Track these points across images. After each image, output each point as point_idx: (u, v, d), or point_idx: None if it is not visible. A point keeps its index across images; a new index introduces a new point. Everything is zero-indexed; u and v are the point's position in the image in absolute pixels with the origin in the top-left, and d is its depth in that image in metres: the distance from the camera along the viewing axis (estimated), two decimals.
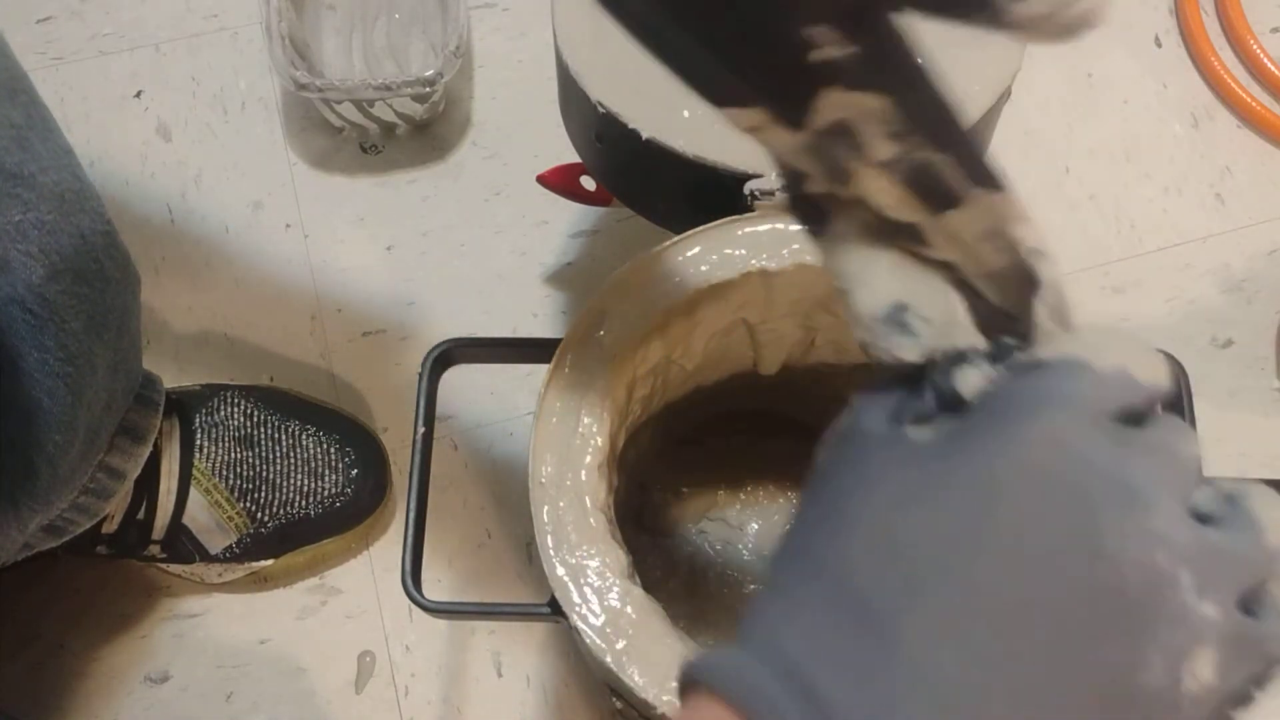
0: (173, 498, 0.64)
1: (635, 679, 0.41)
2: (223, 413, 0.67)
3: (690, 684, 0.28)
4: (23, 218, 0.49)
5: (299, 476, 0.66)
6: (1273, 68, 0.83)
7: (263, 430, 0.67)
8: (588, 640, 0.42)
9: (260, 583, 0.68)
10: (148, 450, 0.62)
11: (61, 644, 0.68)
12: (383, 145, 0.81)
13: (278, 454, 0.66)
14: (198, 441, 0.65)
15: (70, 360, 0.52)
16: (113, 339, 0.56)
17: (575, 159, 0.62)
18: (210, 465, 0.65)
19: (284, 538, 0.66)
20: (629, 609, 0.43)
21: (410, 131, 0.81)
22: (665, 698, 0.41)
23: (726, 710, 0.26)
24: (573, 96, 0.56)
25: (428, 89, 0.75)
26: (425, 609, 0.49)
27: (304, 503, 0.66)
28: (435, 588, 0.68)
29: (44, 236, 0.50)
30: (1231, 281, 0.77)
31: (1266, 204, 0.80)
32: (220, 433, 0.66)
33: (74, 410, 0.53)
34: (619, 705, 0.47)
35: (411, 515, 0.49)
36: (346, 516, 0.67)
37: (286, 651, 0.67)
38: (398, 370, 0.74)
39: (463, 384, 0.72)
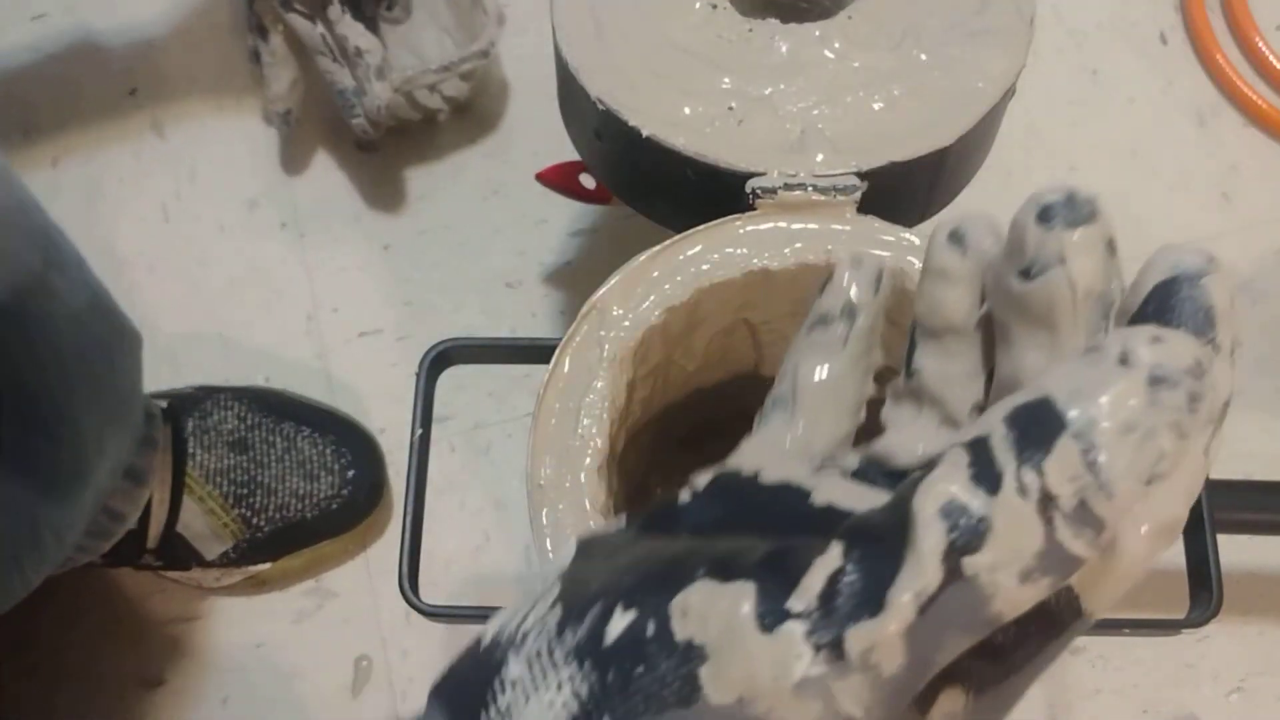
0: (165, 507, 0.63)
1: None
2: (215, 417, 0.66)
3: None
4: (42, 340, 0.50)
5: (294, 479, 0.65)
6: (1279, 65, 0.82)
7: (257, 433, 0.66)
8: None
9: (257, 586, 0.68)
10: (149, 491, 0.62)
11: (57, 647, 0.67)
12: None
13: (272, 457, 0.66)
14: (189, 449, 0.65)
15: (80, 455, 0.53)
16: (117, 408, 0.57)
17: (575, 157, 0.62)
18: (203, 472, 0.64)
19: (280, 541, 0.65)
20: None
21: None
22: None
23: None
24: (572, 94, 0.55)
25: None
26: (423, 613, 0.48)
27: (299, 505, 0.65)
28: (433, 591, 0.67)
29: (56, 356, 0.51)
30: (1238, 281, 0.77)
31: (1273, 203, 0.79)
32: (213, 438, 0.65)
33: (83, 492, 0.54)
34: None
35: (409, 518, 0.49)
36: (343, 518, 0.67)
37: (282, 655, 0.67)
38: (395, 371, 0.74)
39: (461, 385, 0.72)
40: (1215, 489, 0.51)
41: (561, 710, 0.21)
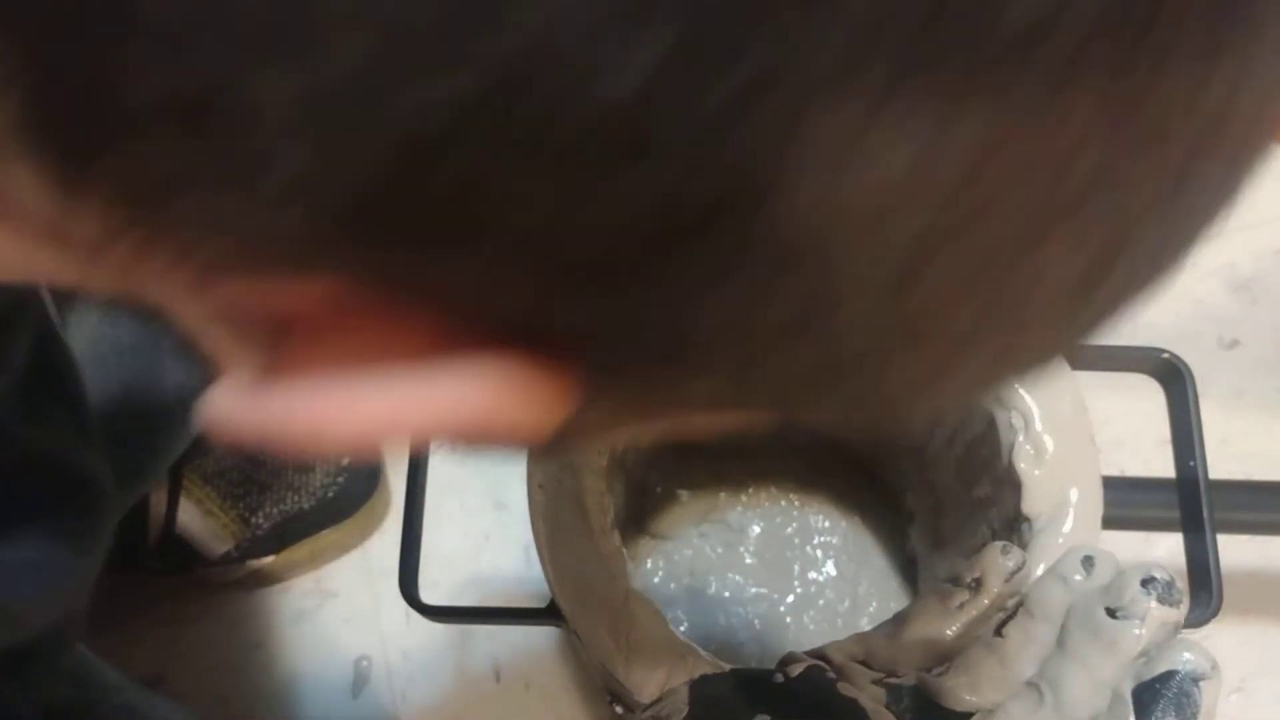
0: (162, 510, 0.63)
1: (635, 684, 0.41)
2: None
3: None
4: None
5: (289, 471, 0.65)
6: None
7: None
8: (587, 644, 0.42)
9: (262, 579, 0.68)
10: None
11: None
12: None
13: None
14: (187, 453, 0.64)
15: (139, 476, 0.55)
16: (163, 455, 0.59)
17: None
18: (200, 474, 0.64)
19: (281, 535, 0.65)
20: (629, 613, 0.42)
21: None
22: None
23: None
24: None
25: None
26: (423, 612, 0.48)
27: (295, 498, 0.65)
28: (433, 591, 0.67)
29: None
30: (1238, 281, 0.77)
31: (1273, 203, 0.79)
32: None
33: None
34: (619, 710, 0.46)
35: (409, 518, 0.49)
36: (341, 505, 0.66)
37: (282, 655, 0.67)
38: None
39: None
40: (1215, 489, 0.51)
41: None
